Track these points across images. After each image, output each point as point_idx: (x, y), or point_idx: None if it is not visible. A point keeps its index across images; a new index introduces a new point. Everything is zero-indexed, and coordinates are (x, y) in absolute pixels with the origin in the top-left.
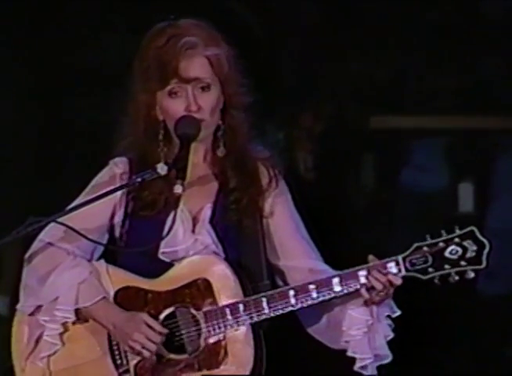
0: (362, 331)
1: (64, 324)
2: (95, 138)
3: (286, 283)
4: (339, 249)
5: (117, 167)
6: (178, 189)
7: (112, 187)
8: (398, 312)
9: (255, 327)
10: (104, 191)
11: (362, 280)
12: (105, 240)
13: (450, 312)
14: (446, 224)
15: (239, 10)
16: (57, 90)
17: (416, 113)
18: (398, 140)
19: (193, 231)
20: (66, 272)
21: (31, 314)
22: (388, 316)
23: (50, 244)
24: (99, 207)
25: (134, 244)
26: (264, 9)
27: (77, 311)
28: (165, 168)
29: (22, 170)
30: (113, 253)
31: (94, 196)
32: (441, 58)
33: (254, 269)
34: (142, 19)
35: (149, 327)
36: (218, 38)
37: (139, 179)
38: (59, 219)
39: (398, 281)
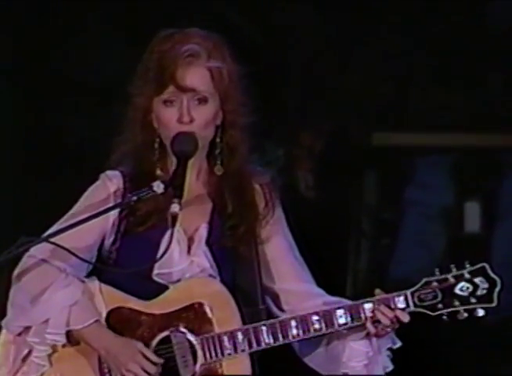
0: (363, 363)
1: (53, 346)
2: (87, 147)
3: (278, 307)
4: (340, 268)
5: (111, 182)
6: (175, 207)
7: (106, 205)
8: (399, 344)
9: (252, 354)
10: (98, 211)
11: (368, 313)
12: (95, 258)
13: (450, 338)
14: (451, 244)
15: (240, 25)
16: (48, 102)
17: (420, 129)
18: (402, 158)
19: (189, 252)
20: (58, 293)
21: (19, 334)
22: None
23: (42, 260)
24: (91, 227)
25: (125, 263)
26: (264, 24)
27: (68, 333)
28: (161, 186)
29: (14, 178)
30: (103, 272)
31: (88, 215)
32: (445, 74)
33: (250, 293)
34: (140, 33)
35: (145, 356)
36: (225, 53)
37: (135, 198)
38: (51, 236)
39: (406, 318)
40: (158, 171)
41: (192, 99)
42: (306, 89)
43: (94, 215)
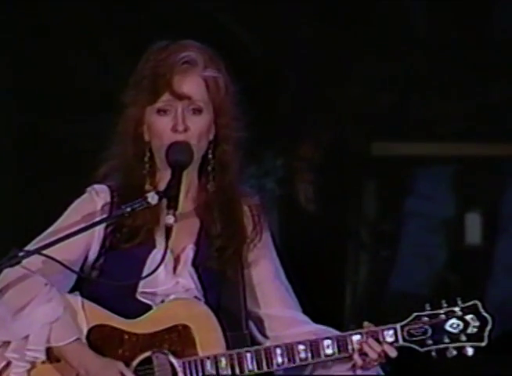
0: None
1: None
2: (84, 156)
3: (262, 333)
4: (339, 280)
5: (98, 196)
6: (169, 219)
7: (92, 220)
8: (383, 374)
9: None
10: (88, 223)
11: (356, 345)
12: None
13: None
14: (452, 256)
15: (240, 37)
16: (45, 111)
17: (420, 139)
18: (401, 168)
19: (174, 272)
20: (39, 308)
21: None
22: None
23: (24, 273)
24: (77, 241)
25: (109, 279)
26: (262, 33)
27: (47, 349)
28: (156, 197)
29: (10, 185)
30: (84, 290)
31: (76, 229)
32: (446, 83)
33: (235, 317)
34: (139, 43)
35: None
36: (220, 64)
37: (129, 209)
38: (39, 250)
39: (394, 353)
40: (147, 186)
41: (186, 108)
42: (305, 100)
43: (84, 228)
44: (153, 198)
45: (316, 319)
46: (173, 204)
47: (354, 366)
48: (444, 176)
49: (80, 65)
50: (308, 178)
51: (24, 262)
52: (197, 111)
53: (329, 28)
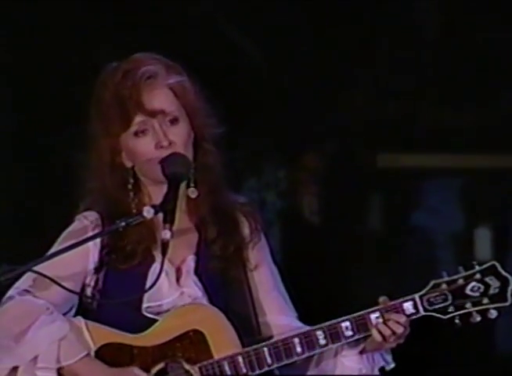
0: None
1: None
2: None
3: None
4: (343, 295)
5: (87, 220)
6: (166, 234)
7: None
8: (393, 365)
9: None
10: (82, 238)
11: (375, 322)
12: (76, 305)
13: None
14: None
15: (242, 46)
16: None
17: (428, 150)
18: (408, 180)
19: (178, 283)
20: (44, 328)
21: None
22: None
23: (23, 299)
24: (74, 268)
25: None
26: (264, 41)
27: (58, 370)
28: (152, 211)
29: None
30: (86, 315)
31: (66, 245)
32: (454, 92)
33: (245, 322)
34: (134, 48)
35: None
36: (178, 67)
37: (123, 224)
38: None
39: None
40: (134, 211)
41: (163, 122)
42: (308, 109)
43: (77, 243)
44: (148, 212)
45: None
46: (169, 219)
47: (362, 352)
48: (452, 189)
49: (77, 70)
50: (311, 190)
51: (27, 286)
52: (174, 121)
53: (334, 35)
